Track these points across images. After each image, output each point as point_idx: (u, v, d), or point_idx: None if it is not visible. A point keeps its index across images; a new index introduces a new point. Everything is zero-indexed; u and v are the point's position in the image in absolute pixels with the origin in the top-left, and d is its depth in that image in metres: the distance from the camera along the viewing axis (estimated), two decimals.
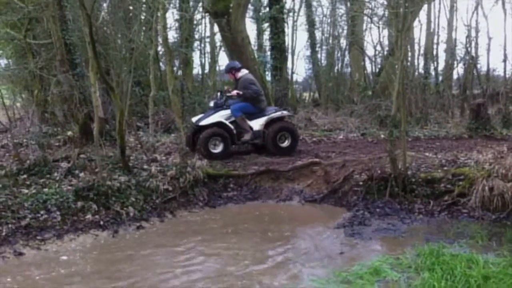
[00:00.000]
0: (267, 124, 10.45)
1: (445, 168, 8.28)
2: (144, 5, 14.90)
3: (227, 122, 10.22)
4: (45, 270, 5.65)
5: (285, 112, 11.10)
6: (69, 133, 11.22)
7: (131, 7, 15.49)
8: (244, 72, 10.80)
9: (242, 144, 10.64)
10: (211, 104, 10.65)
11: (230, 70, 10.83)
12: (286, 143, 10.57)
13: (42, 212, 6.89)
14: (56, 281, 5.38)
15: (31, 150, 9.19)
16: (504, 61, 18.42)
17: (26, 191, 7.47)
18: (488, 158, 8.11)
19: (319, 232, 7.04)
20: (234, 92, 10.44)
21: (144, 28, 14.65)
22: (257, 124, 10.41)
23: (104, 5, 13.60)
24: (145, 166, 8.84)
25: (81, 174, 8.19)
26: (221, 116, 10.25)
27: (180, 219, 7.84)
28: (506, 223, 6.91)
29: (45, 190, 7.44)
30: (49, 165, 8.47)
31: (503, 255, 5.51)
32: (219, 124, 10.17)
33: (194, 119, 10.65)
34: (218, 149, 10.09)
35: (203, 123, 10.21)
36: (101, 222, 7.08)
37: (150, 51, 11.54)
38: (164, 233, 7.20)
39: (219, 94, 10.74)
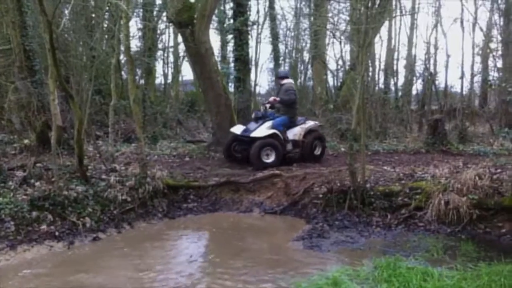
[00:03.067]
0: (305, 134, 10.85)
1: (403, 182, 8.42)
2: (107, 13, 14.74)
3: (279, 133, 10.47)
4: None
5: (317, 123, 11.63)
6: (26, 141, 10.93)
7: (93, 15, 15.33)
8: (288, 80, 11.27)
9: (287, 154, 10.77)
10: (257, 115, 10.78)
11: (282, 77, 11.27)
12: (318, 151, 11.07)
13: None
14: None
15: None
16: (461, 78, 18.96)
17: None
18: (444, 173, 8.31)
19: (278, 243, 7.06)
20: (271, 98, 10.88)
21: (106, 36, 14.53)
22: (294, 134, 10.77)
23: (66, 11, 13.39)
24: (104, 176, 8.68)
25: (37, 184, 7.97)
26: (268, 127, 10.44)
27: (138, 231, 7.73)
28: (460, 236, 7.07)
29: None
30: (4, 173, 8.21)
31: (457, 268, 5.62)
32: (272, 135, 10.36)
33: (236, 131, 10.76)
34: (271, 159, 10.26)
35: (256, 134, 10.29)
36: (57, 233, 6.90)
37: (112, 59, 11.42)
38: (121, 244, 7.06)
39: (263, 108, 11.02)
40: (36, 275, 5.80)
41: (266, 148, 10.23)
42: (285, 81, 11.13)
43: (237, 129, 10.80)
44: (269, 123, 10.47)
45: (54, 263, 6.25)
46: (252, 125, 10.64)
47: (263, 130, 10.36)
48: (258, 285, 5.47)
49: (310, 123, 11.24)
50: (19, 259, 6.24)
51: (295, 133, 10.79)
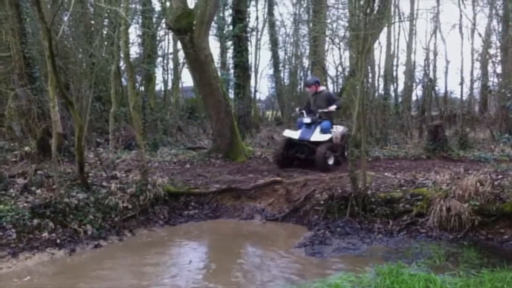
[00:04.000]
0: (341, 138, 11.18)
1: (404, 188, 8.40)
2: (106, 20, 14.77)
3: (333, 137, 10.88)
4: None
5: (346, 128, 11.87)
6: (27, 148, 10.93)
7: (92, 22, 15.36)
8: (323, 87, 11.66)
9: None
10: (308, 120, 10.91)
11: (315, 83, 11.46)
12: (346, 153, 11.18)
13: None
14: None
15: None
16: (461, 84, 19.00)
17: None
18: (446, 179, 8.28)
19: (280, 250, 7.03)
20: (333, 107, 11.01)
21: (105, 43, 14.53)
22: (335, 138, 11.00)
23: (65, 18, 13.40)
24: (105, 183, 8.67)
25: (38, 191, 7.97)
26: (321, 131, 10.79)
27: (140, 238, 7.70)
28: (462, 243, 7.04)
29: (0, 206, 7.18)
30: (5, 181, 8.21)
31: (460, 275, 5.60)
32: (330, 139, 10.78)
33: (291, 135, 11.02)
34: (331, 161, 10.70)
35: (317, 138, 10.67)
36: (58, 241, 6.88)
37: (111, 66, 11.43)
38: (122, 252, 7.04)
39: (304, 112, 11.16)
40: (37, 283, 5.77)
41: (328, 151, 10.60)
42: (321, 88, 11.51)
43: (292, 134, 11.09)
44: (319, 128, 10.83)
45: (55, 270, 6.22)
46: (305, 130, 10.91)
47: (321, 134, 10.76)
48: None
49: (342, 128, 11.64)
50: (20, 267, 6.21)
51: (336, 136, 11.08)
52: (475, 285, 5.17)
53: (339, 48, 20.74)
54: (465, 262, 6.21)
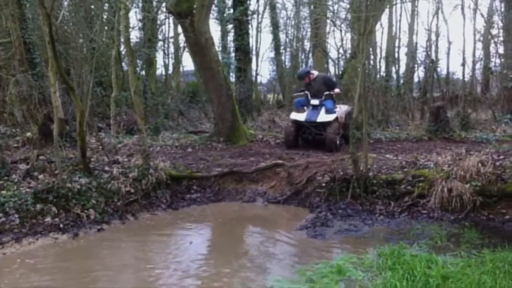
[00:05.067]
0: (345, 117, 11.42)
1: (405, 169, 8.41)
2: (106, 5, 14.71)
3: (338, 117, 11.09)
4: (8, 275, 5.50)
5: (350, 107, 11.84)
6: (28, 134, 10.95)
7: (92, 6, 15.28)
8: (316, 72, 11.84)
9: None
10: (316, 102, 11.11)
11: (307, 74, 11.63)
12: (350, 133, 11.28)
13: (0, 215, 6.69)
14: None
15: None
16: (463, 65, 18.91)
17: None
18: (447, 160, 8.30)
19: (282, 233, 7.07)
20: (338, 90, 11.46)
21: (106, 27, 14.49)
22: (340, 117, 11.18)
23: (65, 3, 13.36)
24: (107, 168, 8.68)
25: (41, 176, 7.98)
26: (326, 112, 10.99)
27: (143, 222, 7.75)
28: (464, 223, 7.07)
29: (3, 192, 7.23)
30: (7, 166, 8.22)
31: (461, 255, 5.64)
32: (336, 118, 10.99)
33: (299, 118, 11.16)
34: (339, 140, 10.96)
35: (323, 119, 10.89)
36: (61, 225, 6.92)
37: (112, 51, 11.41)
38: (125, 235, 7.09)
39: (308, 94, 11.29)
40: (42, 264, 5.84)
41: (336, 130, 10.84)
42: (315, 72, 11.75)
43: (299, 116, 11.21)
44: (324, 109, 11.02)
45: (59, 252, 6.30)
46: (311, 111, 11.10)
47: (326, 115, 10.94)
48: (262, 273, 5.48)
49: (347, 107, 11.77)
50: (24, 251, 6.26)
51: (341, 116, 11.26)
52: (476, 265, 5.21)
53: (340, 30, 20.68)
54: (466, 243, 6.25)
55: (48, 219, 6.94)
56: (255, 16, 21.94)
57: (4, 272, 5.56)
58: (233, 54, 18.37)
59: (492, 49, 20.23)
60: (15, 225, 6.65)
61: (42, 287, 5.19)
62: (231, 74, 17.84)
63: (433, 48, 20.05)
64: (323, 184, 8.38)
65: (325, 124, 10.84)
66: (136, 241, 6.91)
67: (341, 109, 11.53)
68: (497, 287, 4.55)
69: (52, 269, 5.70)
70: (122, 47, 14.10)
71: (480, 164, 7.61)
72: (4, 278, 5.37)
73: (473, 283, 4.58)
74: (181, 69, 24.15)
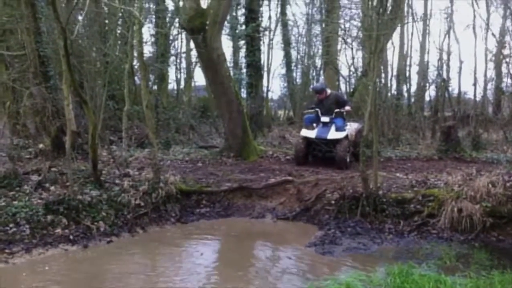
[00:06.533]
0: (355, 135, 11.42)
1: (415, 189, 8.40)
2: (120, 20, 14.88)
3: (349, 135, 11.19)
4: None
5: (360, 124, 11.77)
6: (41, 145, 11.05)
7: (107, 21, 15.48)
8: (329, 90, 11.90)
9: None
10: (326, 119, 11.17)
11: (324, 90, 11.68)
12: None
13: (11, 225, 6.78)
14: None
15: (1, 162, 9.06)
16: (474, 84, 18.88)
17: None
18: (457, 180, 8.24)
19: (291, 249, 7.09)
20: (348, 108, 11.46)
21: (119, 42, 14.65)
22: (350, 135, 11.25)
23: (80, 18, 13.51)
24: (117, 181, 8.76)
25: (52, 188, 8.08)
26: (336, 130, 11.02)
27: (152, 235, 7.78)
28: (474, 244, 7.03)
29: (15, 203, 7.32)
30: (19, 177, 8.33)
31: (470, 276, 5.59)
32: (346, 136, 11.07)
33: (309, 135, 11.23)
34: (348, 158, 10.97)
35: (333, 137, 10.94)
36: (71, 237, 6.97)
37: (125, 65, 11.53)
38: (134, 248, 7.14)
39: (319, 111, 11.35)
40: (51, 273, 5.90)
41: (346, 148, 10.88)
42: (329, 90, 11.77)
43: (309, 133, 11.25)
44: (334, 126, 11.06)
45: (68, 263, 6.37)
46: (322, 128, 11.17)
47: (337, 132, 10.98)
48: None
49: (357, 125, 11.74)
50: (34, 261, 6.33)
51: (351, 133, 11.29)
52: (485, 287, 5.17)
53: (352, 48, 20.74)
54: (475, 264, 6.21)
55: (58, 230, 7.00)
56: (266, 32, 22.16)
57: (15, 281, 5.63)
58: (244, 70, 18.49)
59: (504, 69, 20.20)
60: (26, 236, 6.71)
61: None
62: (242, 90, 17.94)
63: (445, 67, 20.07)
64: (333, 202, 8.37)
65: (335, 142, 10.85)
66: (145, 252, 6.99)
67: (352, 127, 11.54)
68: None
69: (61, 279, 5.78)
70: (135, 62, 14.26)
71: (490, 185, 7.57)
72: (15, 287, 5.42)
73: None
74: (192, 84, 24.33)
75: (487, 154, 12.84)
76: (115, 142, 13.07)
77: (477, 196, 7.45)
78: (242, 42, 19.06)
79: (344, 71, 22.87)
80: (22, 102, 11.68)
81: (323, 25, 22.20)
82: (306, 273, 6.05)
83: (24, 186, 8.11)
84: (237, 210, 8.97)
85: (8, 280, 5.64)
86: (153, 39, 19.55)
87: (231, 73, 14.52)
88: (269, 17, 22.99)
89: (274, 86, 52.60)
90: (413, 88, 20.93)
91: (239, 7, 19.52)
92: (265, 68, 22.10)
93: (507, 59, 19.41)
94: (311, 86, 22.12)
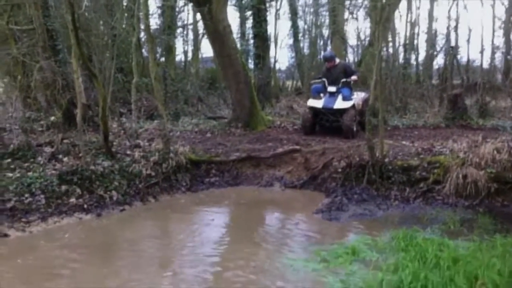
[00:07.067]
0: (362, 104, 11.43)
1: (421, 156, 8.49)
2: None
3: (355, 104, 11.24)
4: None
5: (366, 94, 11.79)
6: (52, 118, 11.22)
7: None
8: (338, 60, 11.86)
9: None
10: (333, 89, 11.22)
11: (333, 58, 11.65)
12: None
13: (26, 195, 6.98)
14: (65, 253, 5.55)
15: (15, 134, 9.21)
16: (481, 52, 18.76)
17: (10, 174, 7.55)
18: (463, 147, 8.32)
19: (298, 216, 7.26)
20: (355, 77, 11.42)
21: (126, 15, 14.67)
22: (357, 104, 11.29)
23: None
24: (128, 152, 8.94)
25: (65, 159, 8.27)
26: (343, 99, 11.09)
27: (163, 203, 8.00)
28: (478, 210, 7.16)
29: (29, 174, 7.53)
30: (33, 149, 8.54)
31: (473, 240, 5.74)
32: (353, 105, 11.13)
33: (316, 104, 11.30)
34: (355, 127, 11.03)
35: (340, 106, 11.02)
36: (85, 206, 7.19)
37: (132, 38, 11.60)
38: (147, 215, 7.39)
39: (326, 81, 11.37)
40: (67, 240, 6.15)
41: (353, 117, 10.95)
42: (337, 60, 11.74)
43: (316, 103, 11.32)
44: (340, 96, 11.12)
45: (83, 231, 6.59)
46: (328, 98, 11.23)
47: (343, 102, 11.05)
48: (278, 253, 5.66)
49: (364, 94, 11.79)
50: (51, 229, 6.59)
51: (358, 103, 11.34)
52: (487, 249, 5.28)
53: (357, 19, 20.58)
54: (479, 228, 6.33)
55: (72, 199, 7.21)
56: (273, 3, 21.92)
57: (32, 248, 5.85)
58: (251, 41, 18.45)
59: None
60: (41, 205, 6.92)
61: (69, 261, 5.46)
62: (249, 61, 17.93)
63: (453, 35, 19.92)
64: (339, 170, 8.48)
65: (342, 111, 10.92)
66: (157, 219, 7.26)
67: (358, 96, 11.59)
68: (506, 269, 4.66)
69: (77, 245, 5.99)
70: (142, 34, 14.32)
71: (495, 151, 7.64)
72: (32, 255, 5.65)
73: (482, 266, 4.68)
74: (200, 55, 24.28)
75: (494, 122, 12.86)
76: (124, 114, 13.20)
77: (482, 163, 7.54)
78: (248, 13, 18.95)
79: (352, 41, 22.77)
80: (32, 76, 11.84)
81: None
82: (313, 238, 6.22)
83: (38, 158, 8.31)
84: (246, 179, 9.13)
85: (26, 248, 5.86)
86: (159, 11, 19.52)
87: (238, 44, 14.55)
88: None
89: (282, 57, 52.40)
90: (421, 57, 20.84)
91: None
92: (272, 39, 21.93)
93: None
94: (321, 54, 22.09)
